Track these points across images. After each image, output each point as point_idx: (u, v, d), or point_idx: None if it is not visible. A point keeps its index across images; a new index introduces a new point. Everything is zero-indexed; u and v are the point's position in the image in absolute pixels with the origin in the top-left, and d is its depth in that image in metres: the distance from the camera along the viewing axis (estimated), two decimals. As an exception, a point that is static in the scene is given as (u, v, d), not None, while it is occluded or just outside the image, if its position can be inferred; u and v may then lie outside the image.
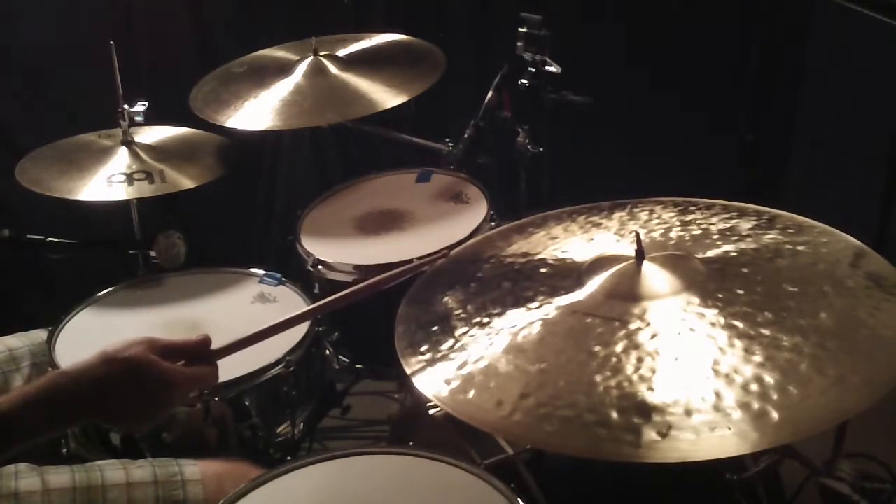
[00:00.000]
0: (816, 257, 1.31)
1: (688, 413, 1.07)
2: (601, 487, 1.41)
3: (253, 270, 2.06)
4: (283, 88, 2.25)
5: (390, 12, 2.94)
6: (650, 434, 1.06)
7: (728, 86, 2.93)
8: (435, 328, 1.32)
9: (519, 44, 2.31)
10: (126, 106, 2.16)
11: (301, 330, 1.84)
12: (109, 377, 1.22)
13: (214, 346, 1.33)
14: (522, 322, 1.27)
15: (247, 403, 1.77)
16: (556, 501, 1.37)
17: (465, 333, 1.29)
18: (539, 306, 1.30)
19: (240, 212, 3.01)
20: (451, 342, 1.28)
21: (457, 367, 1.23)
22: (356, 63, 2.33)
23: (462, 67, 2.75)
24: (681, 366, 1.14)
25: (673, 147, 2.93)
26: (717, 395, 1.09)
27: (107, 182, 2.06)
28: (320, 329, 1.95)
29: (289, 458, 1.81)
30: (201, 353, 1.31)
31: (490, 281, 1.41)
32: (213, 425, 1.74)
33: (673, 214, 1.49)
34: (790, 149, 2.90)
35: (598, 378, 1.14)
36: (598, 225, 1.51)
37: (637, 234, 1.32)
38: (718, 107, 2.91)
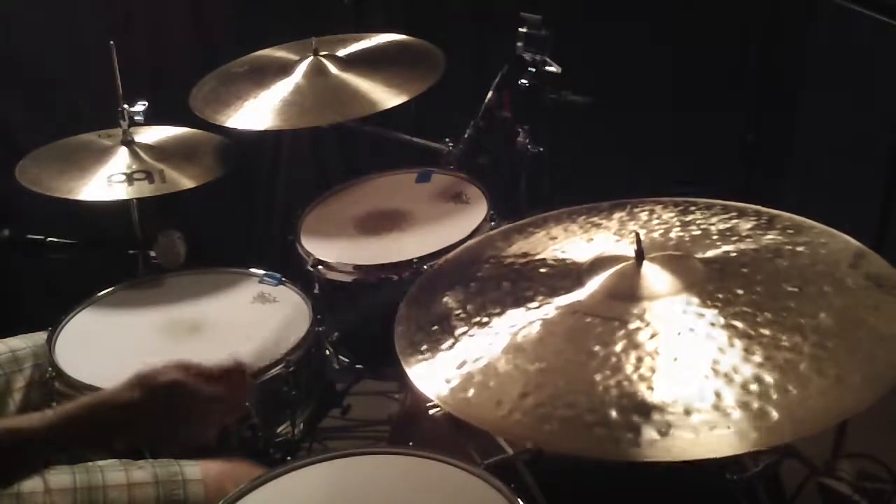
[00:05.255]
0: (815, 258, 1.31)
1: (687, 412, 1.07)
2: (601, 487, 1.41)
3: (253, 270, 2.06)
4: (283, 88, 2.24)
5: (390, 12, 2.94)
6: (650, 433, 1.06)
7: (728, 86, 2.93)
8: (435, 328, 1.32)
9: (519, 44, 2.31)
10: (126, 106, 2.16)
11: (301, 330, 1.84)
12: (142, 401, 1.22)
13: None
14: (522, 322, 1.28)
15: (247, 404, 1.76)
16: (556, 501, 1.37)
17: (464, 333, 1.29)
18: (539, 306, 1.30)
19: (240, 212, 3.01)
20: (450, 342, 1.28)
21: (456, 367, 1.23)
22: (356, 63, 2.33)
23: (462, 67, 2.75)
24: (680, 365, 1.14)
25: (673, 147, 2.93)
26: (717, 394, 1.09)
27: (107, 182, 2.06)
28: (320, 329, 1.95)
29: (289, 458, 1.81)
30: (234, 377, 1.32)
31: (490, 281, 1.41)
32: (214, 425, 1.73)
33: (673, 215, 1.49)
34: (790, 149, 2.90)
35: (598, 377, 1.14)
36: (597, 225, 1.51)
37: (637, 235, 1.32)
38: (718, 107, 2.90)
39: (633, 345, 1.18)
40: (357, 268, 2.02)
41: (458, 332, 1.30)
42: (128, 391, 1.23)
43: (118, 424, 1.21)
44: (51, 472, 1.49)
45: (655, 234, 1.43)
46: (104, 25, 2.65)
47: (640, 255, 1.31)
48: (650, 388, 1.11)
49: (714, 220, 1.45)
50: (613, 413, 1.09)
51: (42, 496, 1.46)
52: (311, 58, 2.32)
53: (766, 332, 1.16)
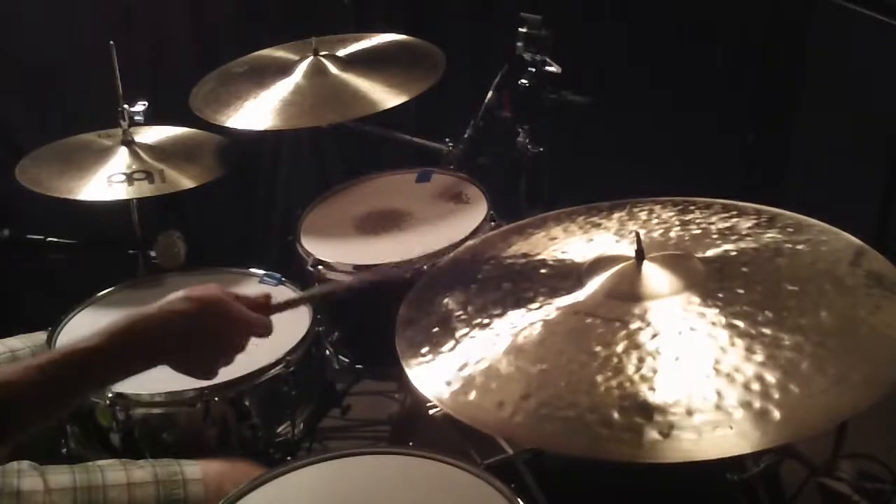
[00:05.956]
0: (816, 256, 1.31)
1: (689, 413, 1.07)
2: (601, 487, 1.41)
3: (253, 270, 2.06)
4: (283, 88, 2.24)
5: (390, 12, 2.94)
6: (652, 434, 1.06)
7: (728, 86, 2.93)
8: (435, 329, 1.32)
9: (519, 44, 2.31)
10: (126, 106, 2.16)
11: (301, 330, 1.84)
12: (187, 311, 1.28)
13: None
14: (523, 323, 1.27)
15: (247, 403, 1.77)
16: (556, 501, 1.37)
17: (465, 335, 1.29)
18: (539, 307, 1.30)
19: (240, 212, 3.01)
20: (451, 343, 1.28)
21: (458, 369, 1.23)
22: (356, 63, 2.33)
23: (462, 67, 2.75)
24: (682, 365, 1.14)
25: (673, 147, 2.93)
26: (719, 394, 1.09)
27: (107, 182, 2.06)
28: (320, 329, 1.95)
29: (289, 458, 1.81)
30: (262, 307, 1.39)
31: (490, 282, 1.41)
32: (213, 425, 1.74)
33: (672, 214, 1.49)
34: (790, 149, 2.90)
35: (600, 378, 1.14)
36: (597, 225, 1.51)
37: (637, 234, 1.32)
38: (718, 107, 2.91)
39: (634, 345, 1.17)
40: (357, 268, 2.02)
41: (458, 333, 1.30)
42: (179, 303, 1.29)
43: (158, 332, 1.26)
44: (50, 472, 1.50)
45: (655, 234, 1.43)
46: (104, 25, 2.65)
47: (640, 255, 1.31)
48: (652, 388, 1.11)
49: (714, 218, 1.45)
50: (615, 414, 1.09)
51: (42, 495, 1.46)
52: (311, 58, 2.32)
53: (767, 331, 1.16)
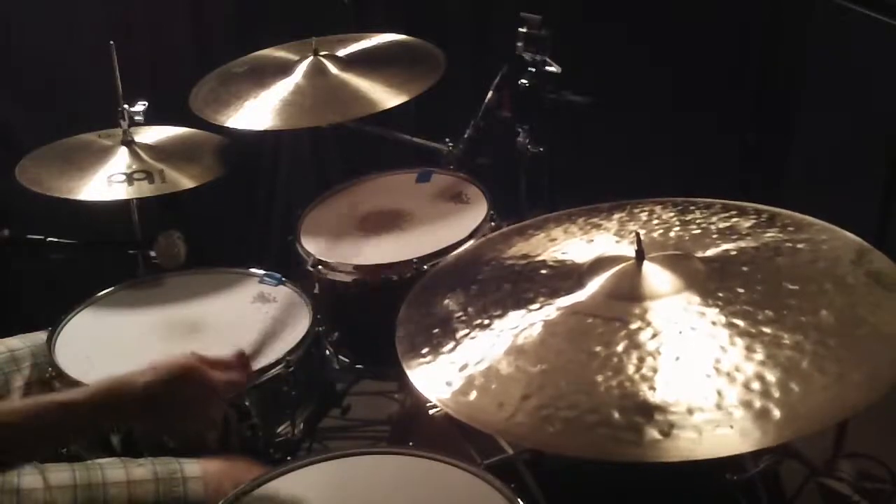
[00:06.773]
0: (816, 255, 1.31)
1: (690, 412, 1.07)
2: (601, 487, 1.41)
3: (253, 270, 2.06)
4: (283, 88, 2.24)
5: (390, 12, 2.94)
6: (652, 433, 1.06)
7: (728, 86, 2.93)
8: (436, 330, 1.32)
9: (519, 44, 2.31)
10: (126, 106, 2.16)
11: (301, 330, 1.84)
12: (158, 384, 1.28)
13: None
14: (523, 323, 1.28)
15: (247, 403, 1.76)
16: (556, 501, 1.37)
17: (466, 335, 1.29)
18: (540, 307, 1.30)
19: (240, 212, 3.01)
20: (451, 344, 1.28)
21: (458, 370, 1.23)
22: (356, 63, 2.33)
23: (462, 67, 2.75)
24: (682, 365, 1.14)
25: (673, 147, 2.93)
26: (719, 393, 1.09)
27: (107, 182, 2.06)
28: (320, 329, 1.95)
29: (289, 458, 1.81)
30: (240, 366, 1.41)
31: (490, 283, 1.41)
32: (213, 425, 1.73)
33: (672, 214, 1.49)
34: (790, 149, 2.90)
35: (600, 378, 1.14)
36: (597, 226, 1.51)
37: (637, 235, 1.32)
38: (718, 107, 2.91)
39: (634, 345, 1.18)
40: (357, 268, 2.02)
41: (459, 334, 1.30)
42: (146, 375, 1.29)
43: (131, 401, 1.27)
44: (51, 470, 1.50)
45: (655, 234, 1.43)
46: (104, 25, 2.65)
47: (640, 255, 1.31)
48: (652, 388, 1.11)
49: (714, 218, 1.45)
50: (616, 414, 1.09)
51: (42, 493, 1.46)
52: (311, 58, 2.32)
53: (767, 330, 1.16)
